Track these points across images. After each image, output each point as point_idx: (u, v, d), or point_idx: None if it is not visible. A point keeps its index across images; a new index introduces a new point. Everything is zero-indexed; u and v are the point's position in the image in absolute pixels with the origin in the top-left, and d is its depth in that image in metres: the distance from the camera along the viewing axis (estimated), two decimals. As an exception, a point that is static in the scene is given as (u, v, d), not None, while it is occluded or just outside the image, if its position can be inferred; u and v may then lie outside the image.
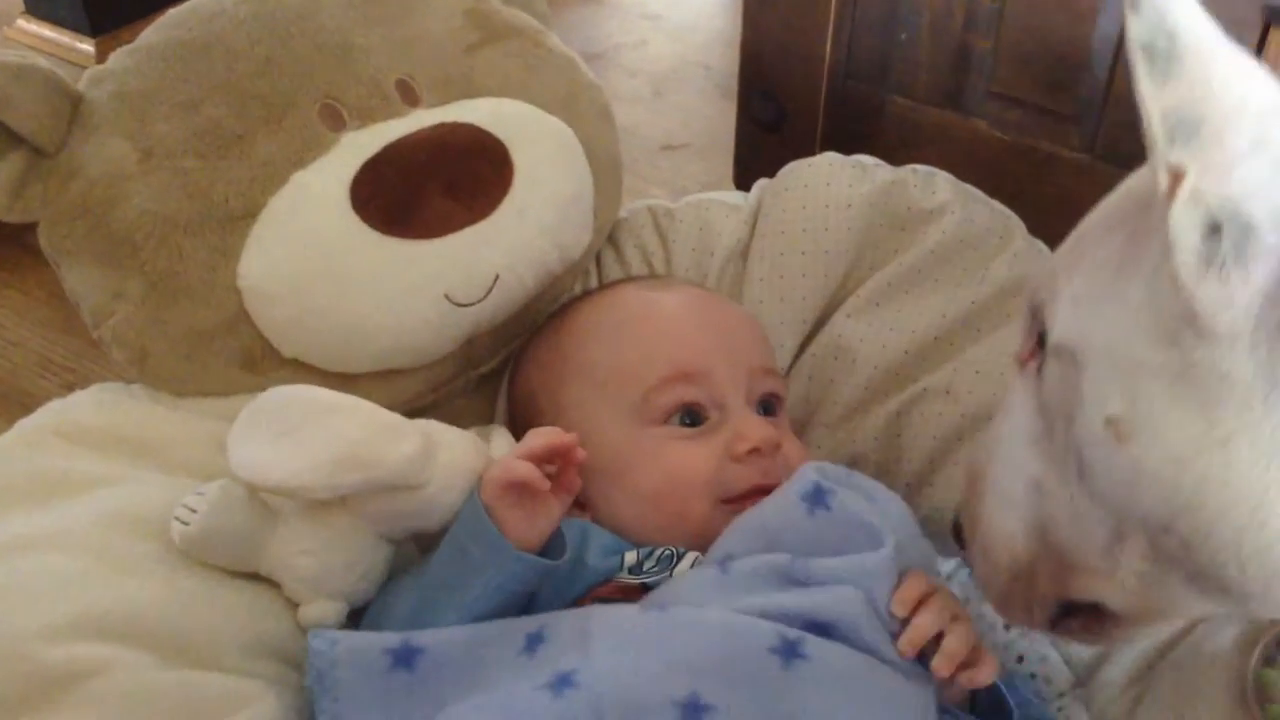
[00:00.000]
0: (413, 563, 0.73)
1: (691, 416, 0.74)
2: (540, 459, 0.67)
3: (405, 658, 0.64)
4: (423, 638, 0.64)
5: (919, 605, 0.63)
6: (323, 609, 0.69)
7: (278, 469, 0.64)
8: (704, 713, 0.57)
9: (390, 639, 0.64)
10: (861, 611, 0.62)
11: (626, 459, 0.73)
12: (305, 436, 0.65)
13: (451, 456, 0.69)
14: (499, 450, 0.75)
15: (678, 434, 0.74)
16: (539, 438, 0.68)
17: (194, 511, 0.66)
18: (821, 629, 0.61)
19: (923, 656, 0.63)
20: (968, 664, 0.63)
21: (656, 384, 0.74)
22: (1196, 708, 0.68)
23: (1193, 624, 0.72)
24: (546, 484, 0.66)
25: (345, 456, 0.64)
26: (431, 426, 0.71)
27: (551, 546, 0.68)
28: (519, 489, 0.66)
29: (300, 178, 0.75)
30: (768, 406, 0.77)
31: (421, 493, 0.67)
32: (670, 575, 0.68)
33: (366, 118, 0.78)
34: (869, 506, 0.67)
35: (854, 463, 0.83)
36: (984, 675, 0.63)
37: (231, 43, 0.77)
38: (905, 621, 0.63)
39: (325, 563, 0.68)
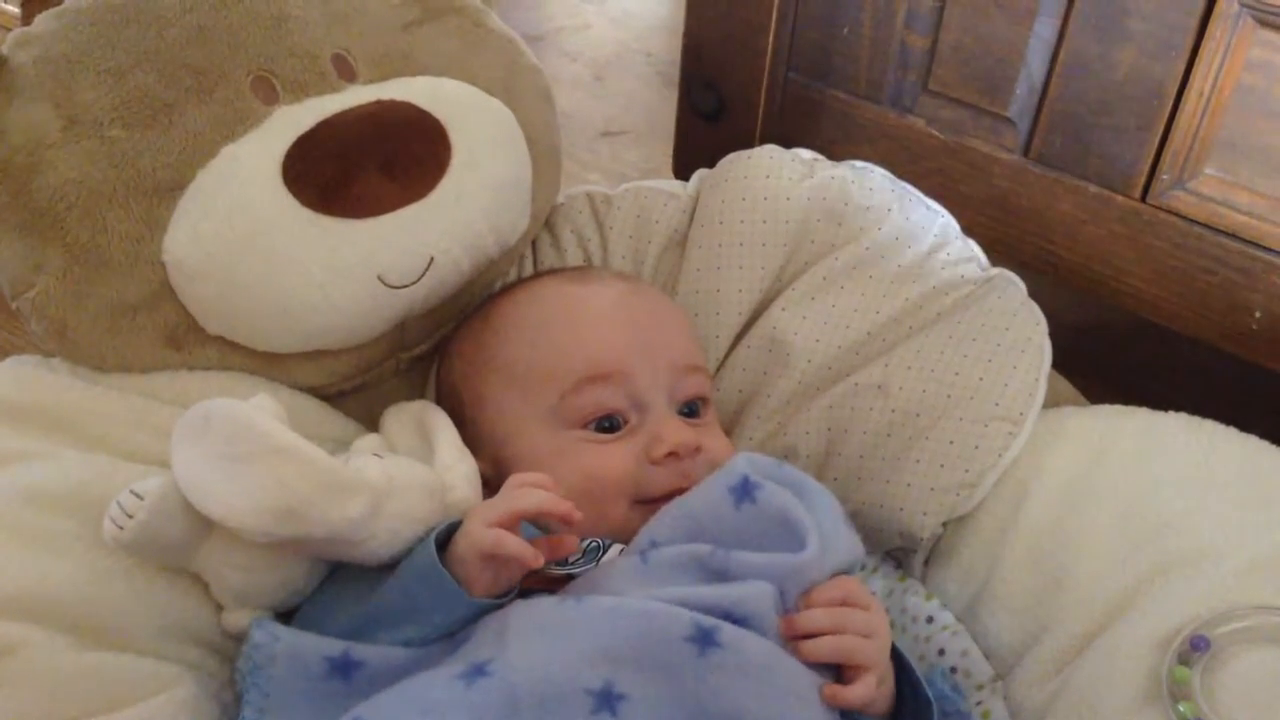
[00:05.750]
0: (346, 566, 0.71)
1: (610, 422, 0.74)
2: (527, 518, 0.65)
3: (343, 669, 0.63)
4: (365, 652, 0.63)
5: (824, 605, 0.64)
6: (247, 617, 0.67)
7: (218, 503, 0.62)
8: (618, 701, 0.57)
9: (333, 647, 0.64)
10: (770, 607, 0.62)
11: (545, 459, 0.72)
12: (252, 473, 0.62)
13: (399, 508, 0.66)
14: (445, 469, 0.72)
15: (594, 438, 0.73)
16: (530, 499, 0.65)
17: (130, 516, 0.63)
18: (733, 623, 0.61)
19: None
20: (846, 673, 0.64)
21: (573, 386, 0.74)
22: (1111, 703, 0.70)
23: (1110, 621, 0.73)
24: (540, 561, 0.64)
25: (287, 509, 0.62)
26: (390, 469, 0.68)
27: None
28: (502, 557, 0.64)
29: (230, 151, 0.73)
30: (691, 407, 0.77)
31: (363, 546, 0.66)
32: (596, 566, 0.68)
33: (301, 91, 0.76)
34: (796, 503, 0.67)
35: (786, 456, 0.84)
36: (849, 694, 0.63)
37: (162, 9, 0.75)
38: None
39: (257, 580, 0.67)
